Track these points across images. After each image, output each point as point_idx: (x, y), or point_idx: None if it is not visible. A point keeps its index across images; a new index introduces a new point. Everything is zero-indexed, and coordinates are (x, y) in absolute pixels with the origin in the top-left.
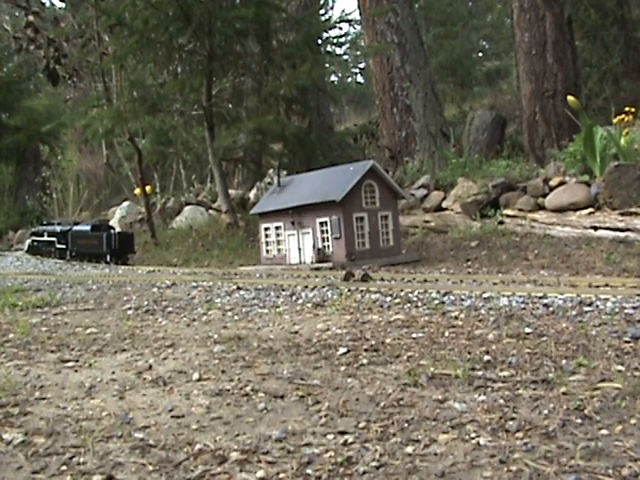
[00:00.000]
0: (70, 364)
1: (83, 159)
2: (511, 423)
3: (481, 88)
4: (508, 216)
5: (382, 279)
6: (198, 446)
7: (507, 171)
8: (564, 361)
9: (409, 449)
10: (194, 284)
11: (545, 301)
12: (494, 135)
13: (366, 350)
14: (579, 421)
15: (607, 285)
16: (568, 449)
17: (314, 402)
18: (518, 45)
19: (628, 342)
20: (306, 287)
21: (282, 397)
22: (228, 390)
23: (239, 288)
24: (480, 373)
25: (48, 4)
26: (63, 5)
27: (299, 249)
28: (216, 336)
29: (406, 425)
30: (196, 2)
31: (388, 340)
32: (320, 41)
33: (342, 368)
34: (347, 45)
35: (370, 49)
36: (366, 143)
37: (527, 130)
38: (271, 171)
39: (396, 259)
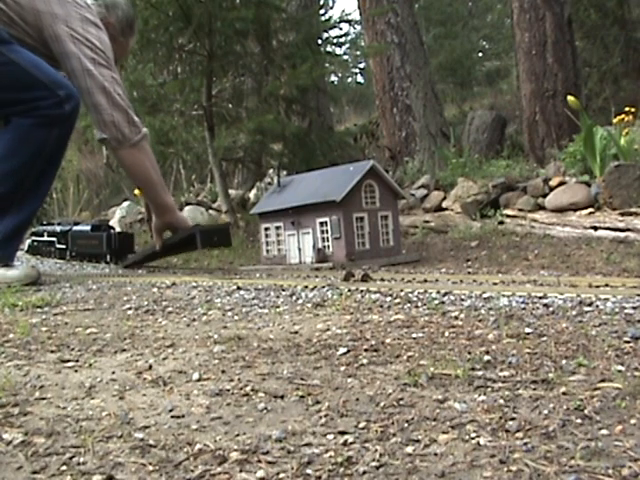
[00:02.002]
0: (70, 364)
1: (83, 159)
2: (511, 423)
3: (481, 88)
4: (508, 216)
5: (382, 279)
6: (198, 446)
7: (507, 171)
8: (564, 361)
9: (409, 449)
10: (194, 284)
11: (545, 301)
12: (494, 135)
13: (366, 350)
14: (579, 421)
15: (607, 285)
16: (568, 449)
17: (314, 402)
18: (518, 45)
19: (628, 342)
20: (306, 287)
21: (282, 397)
22: (228, 390)
23: (239, 288)
24: (480, 373)
25: None
26: None
27: (299, 249)
28: (216, 336)
29: (406, 425)
30: (196, 2)
31: (388, 340)
32: (320, 41)
33: (342, 368)
34: (347, 45)
35: (370, 49)
36: (366, 143)
37: (527, 130)
38: (271, 171)
39: (396, 259)
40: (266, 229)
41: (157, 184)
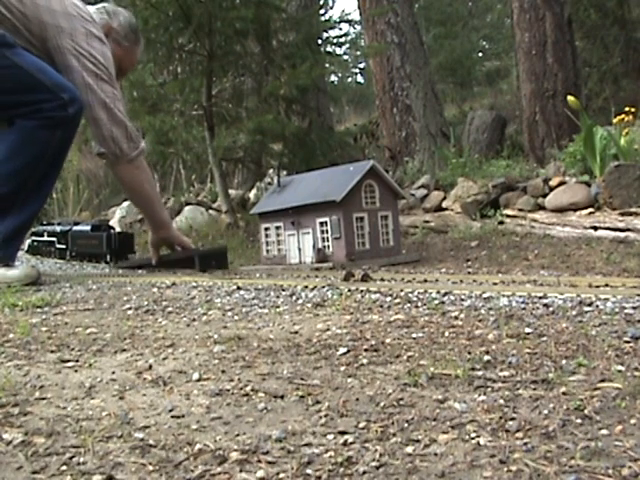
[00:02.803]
0: (70, 364)
1: (83, 159)
2: (511, 423)
3: (481, 88)
4: (508, 216)
5: (382, 279)
6: (198, 446)
7: (507, 171)
8: (564, 361)
9: (409, 449)
10: (194, 284)
11: (545, 301)
12: (494, 135)
13: (366, 350)
14: (579, 421)
15: (607, 285)
16: (568, 449)
17: (314, 402)
18: (518, 45)
19: (628, 342)
20: (306, 287)
21: (282, 397)
22: (228, 390)
23: (239, 288)
24: (480, 373)
25: None
26: None
27: (299, 249)
28: (216, 336)
29: (406, 425)
30: (196, 2)
31: (388, 340)
32: (320, 41)
33: (342, 368)
34: (347, 45)
35: (370, 49)
36: (366, 143)
37: (527, 130)
38: (271, 171)
39: (396, 259)
40: (266, 229)
41: (153, 200)
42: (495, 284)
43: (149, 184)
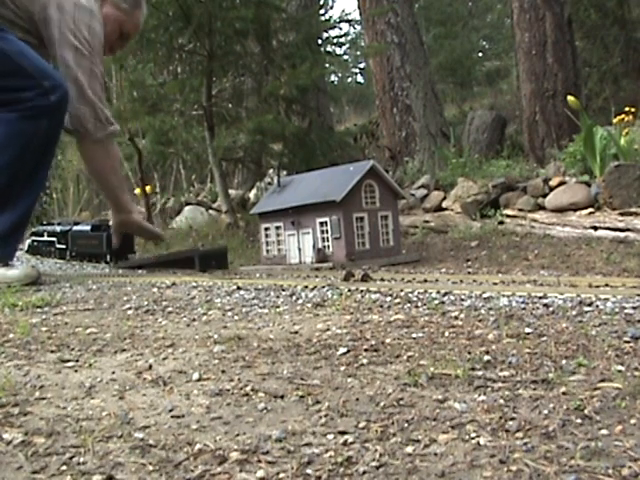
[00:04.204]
0: (70, 364)
1: None
2: (511, 423)
3: (481, 88)
4: (508, 216)
5: (382, 279)
6: (198, 446)
7: (507, 171)
8: (564, 361)
9: (409, 449)
10: (194, 284)
11: (545, 301)
12: (494, 135)
13: (366, 350)
14: (579, 421)
15: (607, 285)
16: (568, 449)
17: (314, 402)
18: (518, 45)
19: (628, 342)
20: (306, 287)
21: (282, 397)
22: (228, 390)
23: (239, 288)
24: (480, 373)
25: None
26: None
27: (299, 249)
28: (216, 336)
29: (406, 425)
30: (196, 2)
31: (388, 340)
32: (320, 41)
33: (342, 368)
34: (347, 45)
35: (370, 49)
36: (366, 143)
37: (527, 130)
38: (271, 171)
39: (396, 259)
40: (266, 229)
41: (114, 184)
42: (495, 284)
43: (112, 167)
